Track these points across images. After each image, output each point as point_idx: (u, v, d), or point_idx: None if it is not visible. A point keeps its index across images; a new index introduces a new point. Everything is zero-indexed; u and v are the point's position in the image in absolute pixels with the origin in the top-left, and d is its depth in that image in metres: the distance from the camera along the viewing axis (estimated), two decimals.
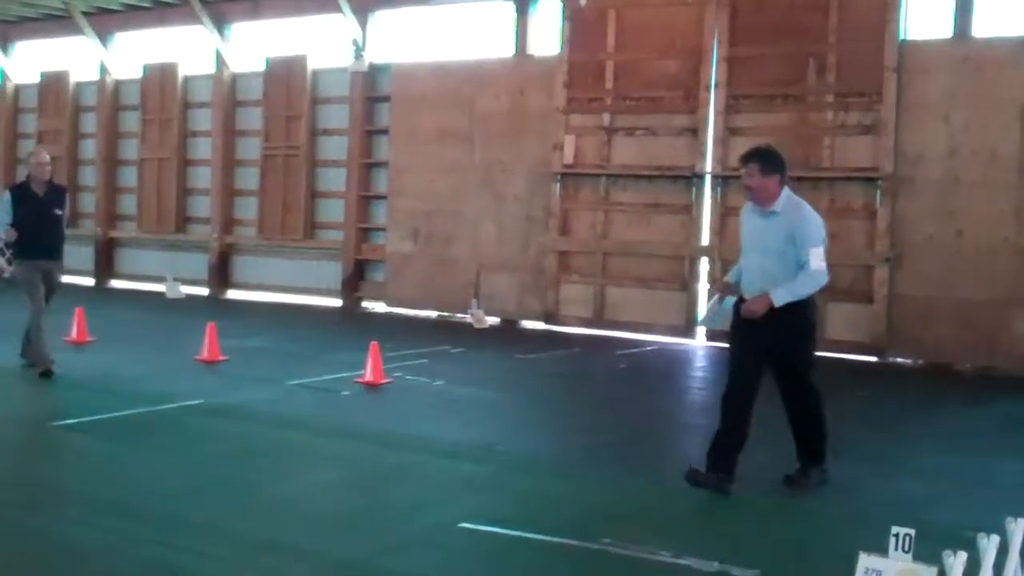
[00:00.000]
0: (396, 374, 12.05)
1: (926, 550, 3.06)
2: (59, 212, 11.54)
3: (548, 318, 17.79)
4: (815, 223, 7.51)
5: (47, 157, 11.88)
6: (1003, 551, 3.18)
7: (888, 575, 2.98)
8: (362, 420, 9.82)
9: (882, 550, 3.03)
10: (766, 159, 7.58)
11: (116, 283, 23.86)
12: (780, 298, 7.33)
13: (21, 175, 23.60)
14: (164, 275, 21.47)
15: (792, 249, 7.41)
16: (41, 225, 11.30)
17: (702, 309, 16.57)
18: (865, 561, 3.04)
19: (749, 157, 7.62)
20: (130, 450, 8.47)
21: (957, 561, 2.81)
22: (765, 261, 7.50)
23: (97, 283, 23.76)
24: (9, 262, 11.56)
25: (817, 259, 7.37)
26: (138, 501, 6.93)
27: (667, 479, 7.92)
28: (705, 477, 7.38)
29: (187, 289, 21.36)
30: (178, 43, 23.12)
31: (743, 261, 7.77)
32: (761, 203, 7.56)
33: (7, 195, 11.55)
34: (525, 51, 18.56)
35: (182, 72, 22.89)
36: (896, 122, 15.07)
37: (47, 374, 11.11)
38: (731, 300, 7.75)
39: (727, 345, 7.83)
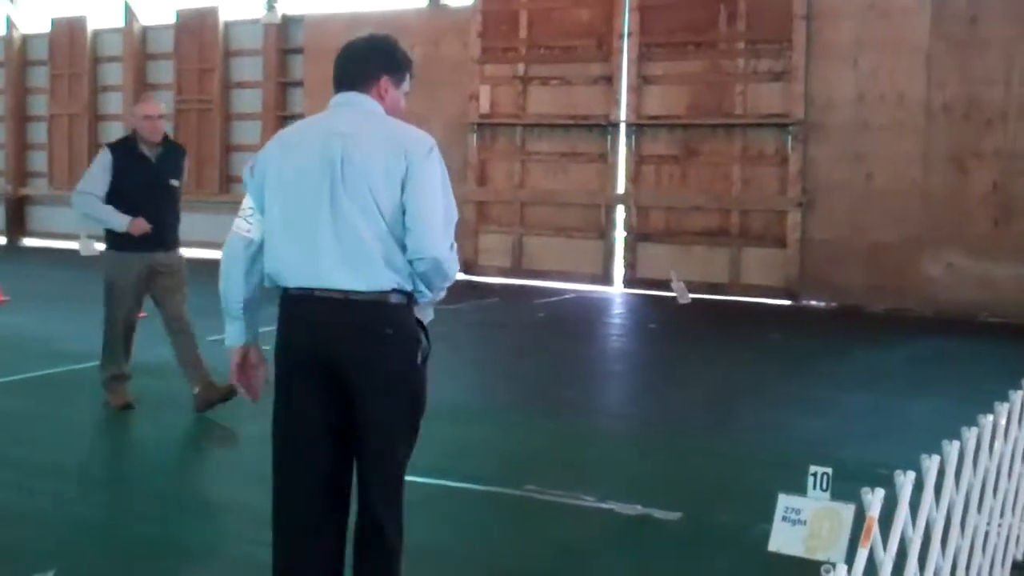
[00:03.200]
0: None
1: (843, 488, 3.18)
2: (175, 182, 8.24)
3: (467, 268, 17.81)
4: None
5: (161, 108, 8.34)
6: (919, 488, 3.32)
7: (807, 514, 3.07)
8: None
9: (801, 490, 3.14)
10: None
11: (30, 242, 23.37)
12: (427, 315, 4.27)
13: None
14: (77, 233, 21.09)
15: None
16: (150, 202, 8.03)
17: (619, 257, 16.75)
18: (784, 501, 3.12)
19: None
20: (50, 410, 8.40)
21: (875, 498, 2.93)
22: None
23: (9, 242, 23.28)
24: None
25: None
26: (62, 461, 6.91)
27: (588, 424, 8.05)
28: None
29: (101, 245, 20.96)
30: None
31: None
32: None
33: (105, 156, 8.08)
34: (439, 1, 18.46)
35: (91, 26, 22.42)
36: (806, 68, 15.28)
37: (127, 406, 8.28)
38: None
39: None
